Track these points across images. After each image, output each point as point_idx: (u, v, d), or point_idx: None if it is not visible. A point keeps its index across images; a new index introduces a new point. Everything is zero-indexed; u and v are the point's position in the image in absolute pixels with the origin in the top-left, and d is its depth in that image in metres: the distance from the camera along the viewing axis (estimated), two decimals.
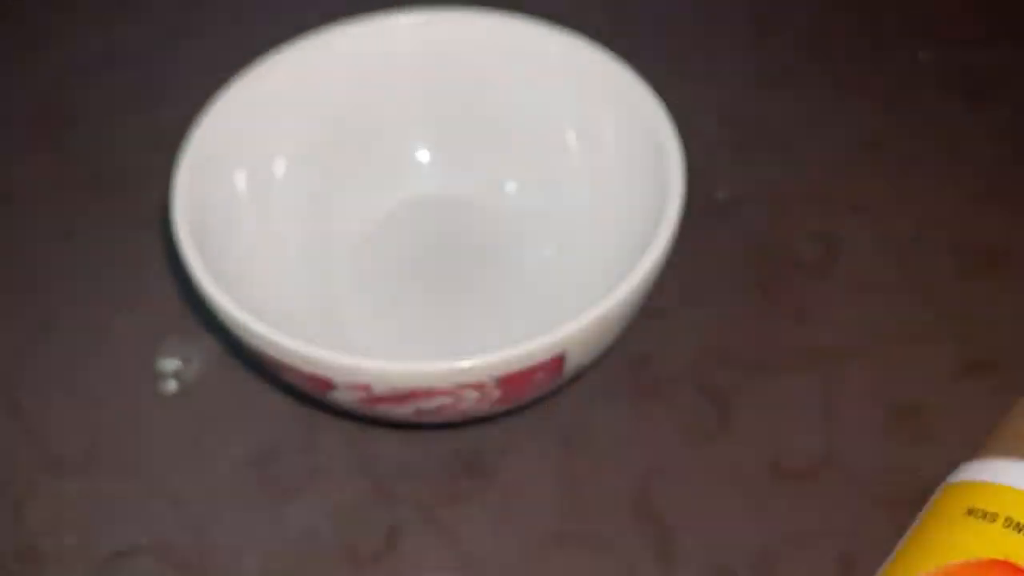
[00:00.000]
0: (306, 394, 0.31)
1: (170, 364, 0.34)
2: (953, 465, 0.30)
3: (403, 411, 0.26)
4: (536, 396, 0.28)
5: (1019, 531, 0.23)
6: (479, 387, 0.25)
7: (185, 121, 0.41)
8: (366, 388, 0.25)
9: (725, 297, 0.35)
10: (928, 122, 0.41)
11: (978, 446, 0.28)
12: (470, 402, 0.26)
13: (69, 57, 0.44)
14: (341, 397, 0.26)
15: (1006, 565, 0.23)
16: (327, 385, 0.26)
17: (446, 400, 0.26)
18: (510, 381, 0.25)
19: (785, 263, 0.36)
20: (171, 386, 0.33)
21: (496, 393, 0.26)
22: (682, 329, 0.34)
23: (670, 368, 0.33)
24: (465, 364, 0.24)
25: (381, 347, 0.31)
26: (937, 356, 0.33)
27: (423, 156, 0.35)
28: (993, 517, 0.24)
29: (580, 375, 0.32)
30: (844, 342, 0.34)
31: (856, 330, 0.34)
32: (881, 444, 0.32)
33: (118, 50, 0.44)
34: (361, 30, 0.33)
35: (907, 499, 0.30)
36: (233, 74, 0.43)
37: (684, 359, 0.34)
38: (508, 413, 0.31)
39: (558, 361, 0.26)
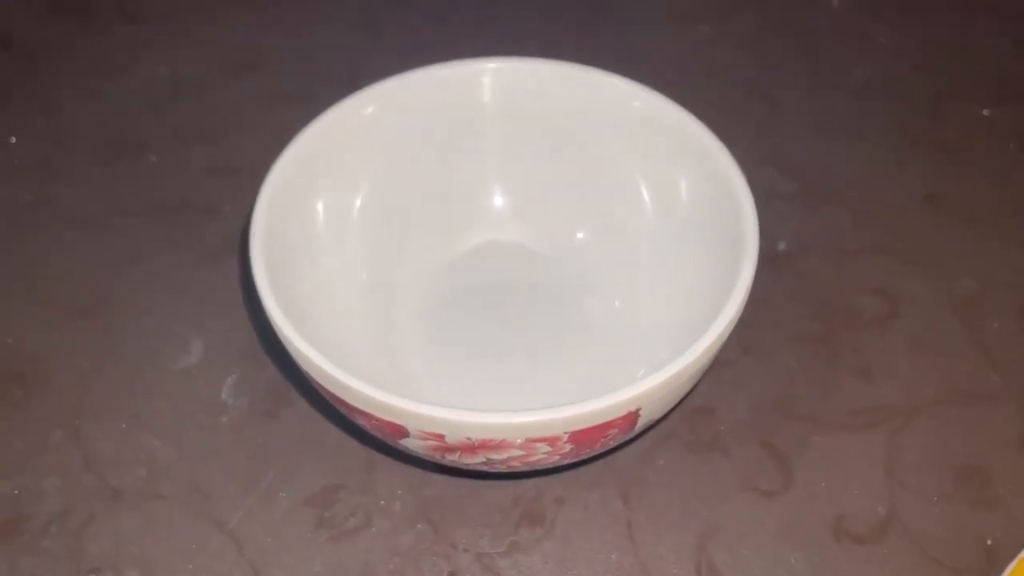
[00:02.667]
0: (373, 437, 0.31)
1: (234, 396, 0.34)
2: (1020, 533, 0.30)
3: (472, 460, 0.26)
4: (604, 450, 0.28)
5: None
6: (551, 441, 0.25)
7: (250, 150, 0.42)
8: (440, 437, 0.25)
9: (787, 350, 0.35)
10: (991, 177, 0.40)
11: None
12: (540, 455, 0.26)
13: (136, 86, 0.44)
14: (413, 444, 0.26)
15: None
16: (401, 432, 0.26)
17: (517, 452, 0.25)
18: (582, 435, 0.25)
19: (847, 317, 0.36)
20: (234, 418, 0.33)
21: (567, 447, 0.26)
22: (744, 381, 0.34)
23: (732, 421, 0.33)
24: (541, 417, 0.24)
25: (445, 389, 0.31)
26: (1002, 419, 0.33)
27: (497, 201, 0.35)
28: None
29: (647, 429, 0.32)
30: (907, 401, 0.34)
31: (918, 389, 0.34)
32: (945, 508, 0.31)
33: (183, 80, 0.45)
34: (444, 73, 0.33)
35: (973, 567, 0.30)
36: (294, 107, 0.43)
37: (746, 412, 0.33)
38: (570, 464, 0.31)
39: (632, 417, 0.26)
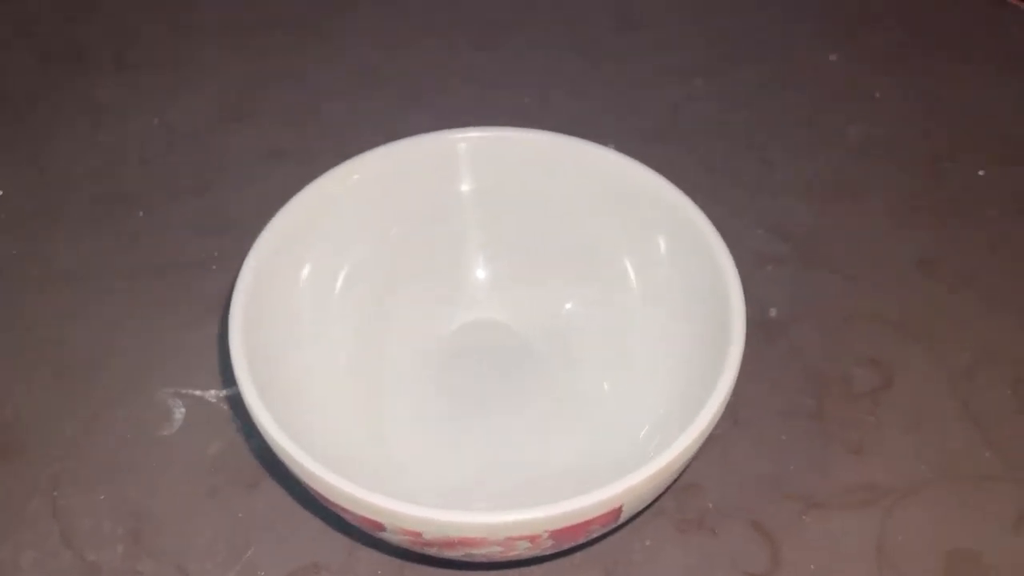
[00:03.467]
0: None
1: (216, 467, 0.33)
2: None
3: (452, 554, 0.26)
4: (587, 540, 0.28)
5: None
6: (531, 538, 0.25)
7: (240, 205, 0.41)
8: (417, 534, 0.25)
9: (779, 423, 0.34)
10: (988, 241, 0.40)
11: None
12: (520, 550, 0.25)
13: (128, 137, 0.44)
14: (391, 538, 0.26)
15: None
16: (378, 527, 0.25)
17: (497, 548, 0.25)
18: (563, 532, 0.25)
19: (840, 389, 0.35)
20: (215, 491, 0.33)
21: (548, 543, 0.25)
22: (735, 456, 0.34)
23: (721, 498, 0.32)
24: (520, 517, 0.24)
25: (431, 473, 0.30)
26: (995, 498, 0.32)
27: (481, 275, 0.35)
28: None
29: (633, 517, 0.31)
30: (899, 479, 0.33)
31: (911, 467, 0.33)
32: None
33: (175, 131, 0.44)
34: (422, 145, 0.33)
35: None
36: (287, 160, 0.43)
37: (736, 489, 0.33)
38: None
39: (615, 512, 0.25)
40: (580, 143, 0.33)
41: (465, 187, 0.33)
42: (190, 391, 0.35)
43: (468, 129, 0.33)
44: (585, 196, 0.33)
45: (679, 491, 0.33)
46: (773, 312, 0.38)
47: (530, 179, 0.33)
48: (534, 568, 0.31)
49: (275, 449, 0.26)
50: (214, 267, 0.39)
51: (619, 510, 0.25)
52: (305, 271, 0.31)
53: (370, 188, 0.32)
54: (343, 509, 0.25)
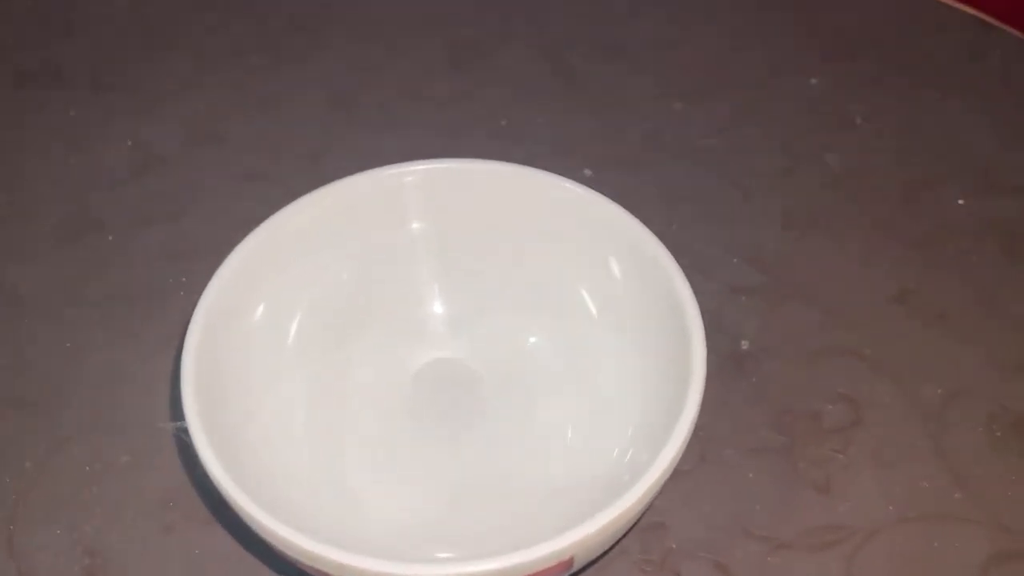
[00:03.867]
0: None
1: (175, 502, 0.33)
2: None
3: None
4: None
5: None
6: None
7: (212, 230, 0.41)
8: None
9: (746, 460, 0.34)
10: (964, 275, 0.39)
11: None
12: None
13: (100, 159, 0.44)
14: None
15: None
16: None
17: None
18: None
19: (808, 425, 0.35)
20: (173, 527, 0.32)
21: None
22: (700, 494, 0.33)
23: (685, 539, 0.32)
24: (464, 570, 0.23)
25: (390, 513, 0.30)
26: (965, 543, 0.32)
27: (439, 311, 0.34)
28: None
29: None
30: (867, 519, 0.32)
31: (878, 507, 0.33)
32: None
33: (148, 153, 0.44)
34: (370, 180, 0.32)
35: None
36: (258, 185, 0.43)
37: (701, 529, 0.32)
38: None
39: (566, 563, 0.25)
40: (530, 172, 0.32)
41: (416, 223, 0.33)
42: (151, 423, 0.35)
43: (415, 163, 0.32)
44: (538, 226, 0.33)
45: (642, 530, 0.32)
46: (745, 344, 0.37)
47: (482, 211, 0.33)
48: None
49: (223, 494, 0.26)
50: (182, 293, 0.39)
51: (570, 561, 0.25)
52: (259, 313, 0.31)
53: (317, 230, 0.32)
54: (290, 558, 0.25)
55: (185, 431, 0.34)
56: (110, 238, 0.41)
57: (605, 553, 0.31)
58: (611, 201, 0.31)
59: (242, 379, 0.30)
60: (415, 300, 0.34)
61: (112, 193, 0.43)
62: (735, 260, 0.40)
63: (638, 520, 0.28)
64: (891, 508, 0.33)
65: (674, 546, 0.32)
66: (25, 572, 0.31)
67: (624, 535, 0.30)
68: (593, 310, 0.33)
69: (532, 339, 0.34)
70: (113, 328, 0.38)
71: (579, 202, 0.32)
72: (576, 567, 0.26)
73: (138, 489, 0.33)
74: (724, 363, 0.37)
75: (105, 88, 0.47)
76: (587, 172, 0.42)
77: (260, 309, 0.31)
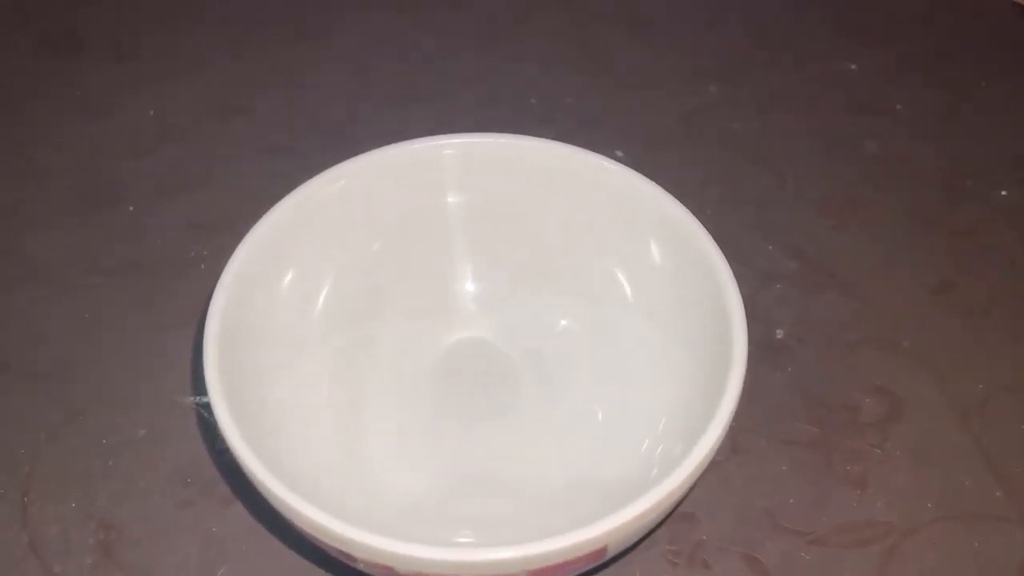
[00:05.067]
0: None
1: (192, 478, 0.32)
2: None
3: None
4: None
5: None
6: None
7: (233, 203, 0.40)
8: (388, 568, 0.23)
9: (779, 452, 0.33)
10: (1005, 266, 0.38)
11: None
12: None
13: (121, 129, 0.43)
14: (364, 568, 0.25)
15: None
16: (349, 558, 0.24)
17: None
18: (544, 572, 0.24)
19: (844, 418, 0.34)
20: (190, 503, 0.31)
21: None
22: (732, 486, 0.32)
23: (716, 530, 0.31)
24: (496, 556, 0.22)
25: (415, 495, 0.29)
26: (1004, 544, 0.31)
27: (470, 290, 0.33)
28: None
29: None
30: (902, 517, 0.31)
31: (916, 504, 0.32)
32: None
33: (170, 124, 0.43)
34: (406, 151, 0.31)
35: None
36: (280, 157, 0.42)
37: (731, 521, 0.31)
38: None
39: (599, 552, 0.24)
40: (573, 150, 0.31)
41: (452, 198, 0.32)
42: (168, 396, 0.34)
43: (453, 136, 0.31)
44: (578, 206, 0.32)
45: (672, 521, 0.31)
46: (780, 333, 0.36)
47: (520, 188, 0.32)
48: None
49: (244, 469, 0.25)
50: (202, 266, 0.38)
51: (603, 550, 0.24)
52: (286, 282, 0.30)
53: (350, 199, 0.31)
54: (314, 539, 0.24)
55: (206, 406, 0.33)
56: (130, 208, 0.40)
57: (636, 544, 0.30)
58: (654, 183, 0.30)
59: (266, 351, 0.29)
60: (446, 276, 0.33)
61: (133, 163, 0.42)
62: (770, 247, 0.39)
63: (672, 511, 0.27)
64: (929, 506, 0.32)
65: (704, 538, 0.31)
66: (38, 544, 0.31)
67: (657, 527, 0.29)
68: (629, 294, 0.32)
69: (563, 322, 0.33)
70: (131, 300, 0.37)
71: (622, 183, 0.30)
72: (607, 557, 0.25)
73: (154, 464, 0.32)
74: (758, 352, 0.35)
75: (128, 57, 0.46)
76: (619, 153, 0.41)
77: (287, 278, 0.30)
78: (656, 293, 0.31)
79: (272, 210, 0.29)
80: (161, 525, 0.31)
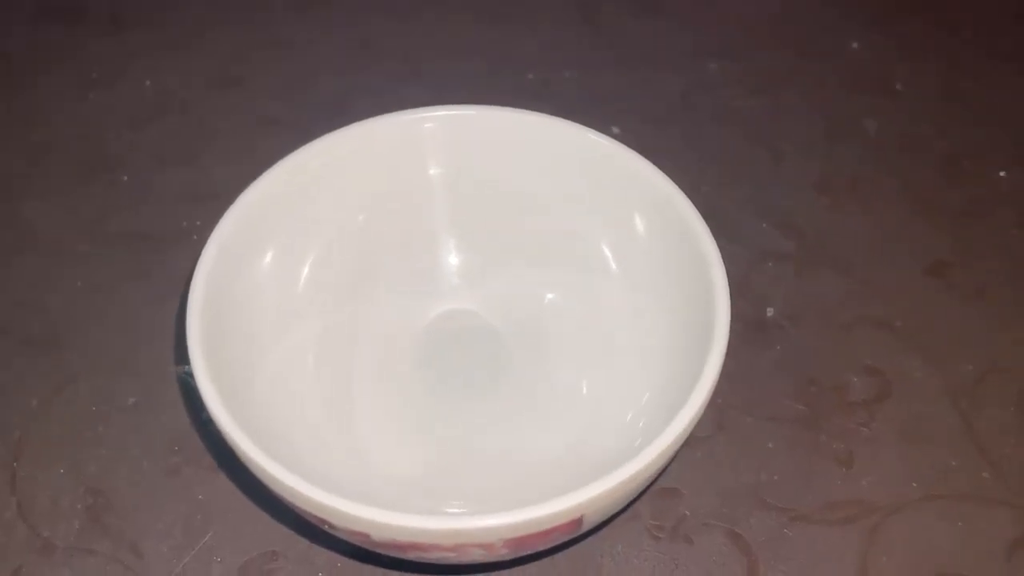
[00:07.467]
0: None
1: (181, 446, 0.32)
2: None
3: (404, 556, 0.25)
4: (549, 547, 0.26)
5: None
6: (486, 546, 0.23)
7: (228, 174, 0.40)
8: (364, 535, 0.24)
9: (766, 429, 0.33)
10: (1002, 248, 0.38)
11: None
12: (474, 556, 0.24)
13: (118, 99, 0.43)
14: (341, 535, 0.25)
15: None
16: (326, 523, 0.24)
17: (448, 554, 0.24)
18: (519, 542, 0.24)
19: (833, 397, 0.34)
20: (178, 471, 0.32)
21: (503, 550, 0.24)
22: (717, 462, 0.32)
23: (700, 506, 0.31)
24: (470, 525, 0.23)
25: (400, 465, 0.29)
26: (990, 524, 0.31)
27: (454, 262, 0.33)
28: None
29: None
30: (890, 495, 0.31)
31: (904, 482, 0.32)
32: None
33: (168, 94, 0.43)
34: (388, 124, 0.31)
35: None
36: (277, 129, 0.42)
37: (716, 497, 0.31)
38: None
39: (575, 523, 0.24)
40: (554, 120, 0.31)
41: (434, 170, 0.32)
42: (160, 365, 0.34)
43: (435, 108, 0.31)
44: (562, 178, 0.31)
45: (655, 495, 0.31)
46: (770, 311, 0.36)
47: (504, 160, 0.32)
48: (503, 573, 0.30)
49: (222, 433, 0.25)
50: (195, 237, 0.38)
51: (580, 520, 0.24)
52: (269, 256, 0.30)
53: (333, 172, 0.31)
54: (293, 506, 0.24)
55: (191, 375, 0.33)
56: (125, 178, 0.40)
57: (616, 516, 0.30)
58: (639, 155, 0.30)
59: (250, 324, 0.29)
60: (430, 249, 0.33)
61: (130, 133, 0.42)
62: (764, 225, 0.39)
63: (650, 484, 0.27)
64: (915, 485, 0.32)
65: (687, 513, 0.31)
66: (27, 509, 0.31)
67: (636, 499, 0.29)
68: (614, 268, 0.31)
69: (549, 295, 0.33)
70: (125, 269, 0.37)
71: (606, 155, 0.30)
72: (585, 528, 0.25)
73: (144, 431, 0.33)
74: (748, 330, 0.35)
75: (126, 27, 0.46)
76: (615, 130, 0.41)
77: (271, 252, 0.30)
78: (641, 266, 0.30)
79: (253, 184, 0.29)
80: (149, 492, 0.31)
